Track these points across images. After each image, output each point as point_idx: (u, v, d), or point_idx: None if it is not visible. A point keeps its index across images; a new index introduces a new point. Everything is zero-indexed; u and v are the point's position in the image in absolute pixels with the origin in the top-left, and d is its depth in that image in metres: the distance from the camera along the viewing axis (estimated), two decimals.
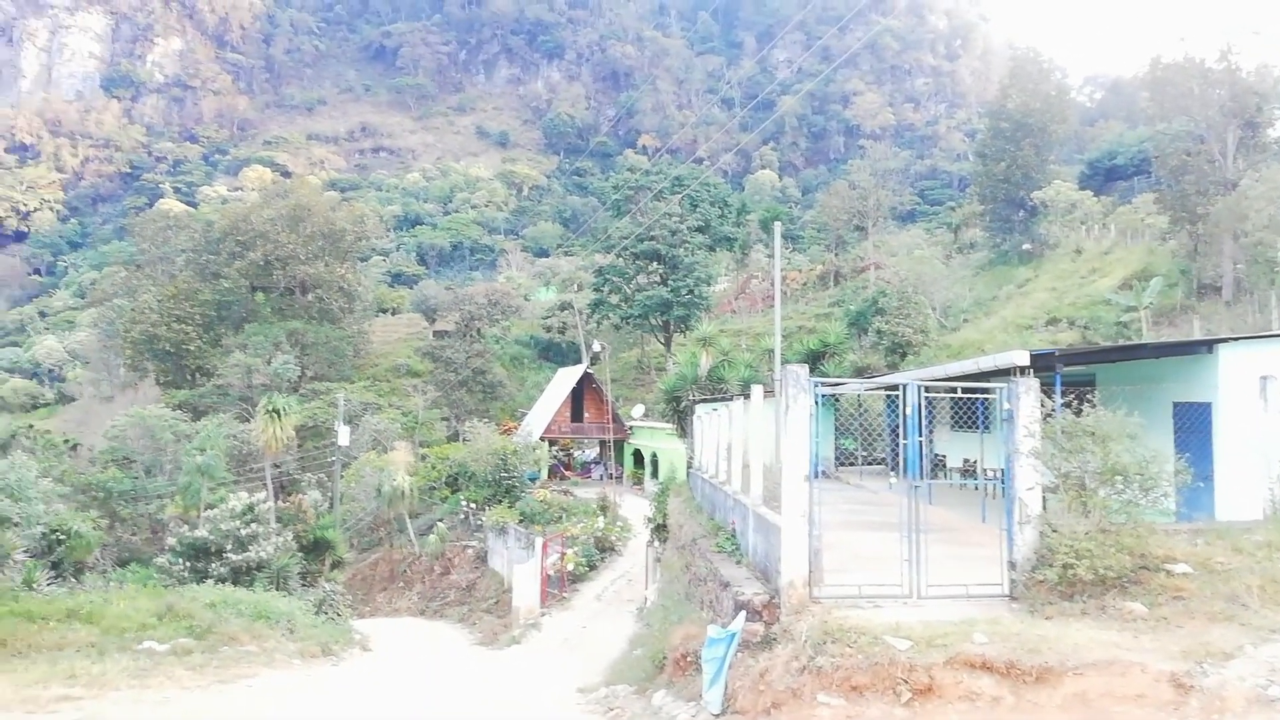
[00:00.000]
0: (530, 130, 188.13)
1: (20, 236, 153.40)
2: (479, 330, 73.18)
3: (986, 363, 12.06)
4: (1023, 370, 10.61)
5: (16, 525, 23.19)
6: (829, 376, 26.36)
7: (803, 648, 8.86)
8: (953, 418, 17.88)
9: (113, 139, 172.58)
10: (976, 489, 18.78)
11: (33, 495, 24.01)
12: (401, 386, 70.32)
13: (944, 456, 22.61)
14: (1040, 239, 63.27)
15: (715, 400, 23.05)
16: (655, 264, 64.43)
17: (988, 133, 68.40)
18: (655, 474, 46.09)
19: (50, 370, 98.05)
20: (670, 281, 62.86)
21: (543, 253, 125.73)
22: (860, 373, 33.82)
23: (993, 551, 10.68)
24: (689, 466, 27.15)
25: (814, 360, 32.90)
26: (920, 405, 10.55)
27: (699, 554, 14.99)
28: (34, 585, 22.25)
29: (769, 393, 16.46)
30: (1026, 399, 10.24)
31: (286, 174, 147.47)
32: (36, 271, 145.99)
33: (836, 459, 27.45)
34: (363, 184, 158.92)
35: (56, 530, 25.91)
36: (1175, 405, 14.21)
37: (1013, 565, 10.22)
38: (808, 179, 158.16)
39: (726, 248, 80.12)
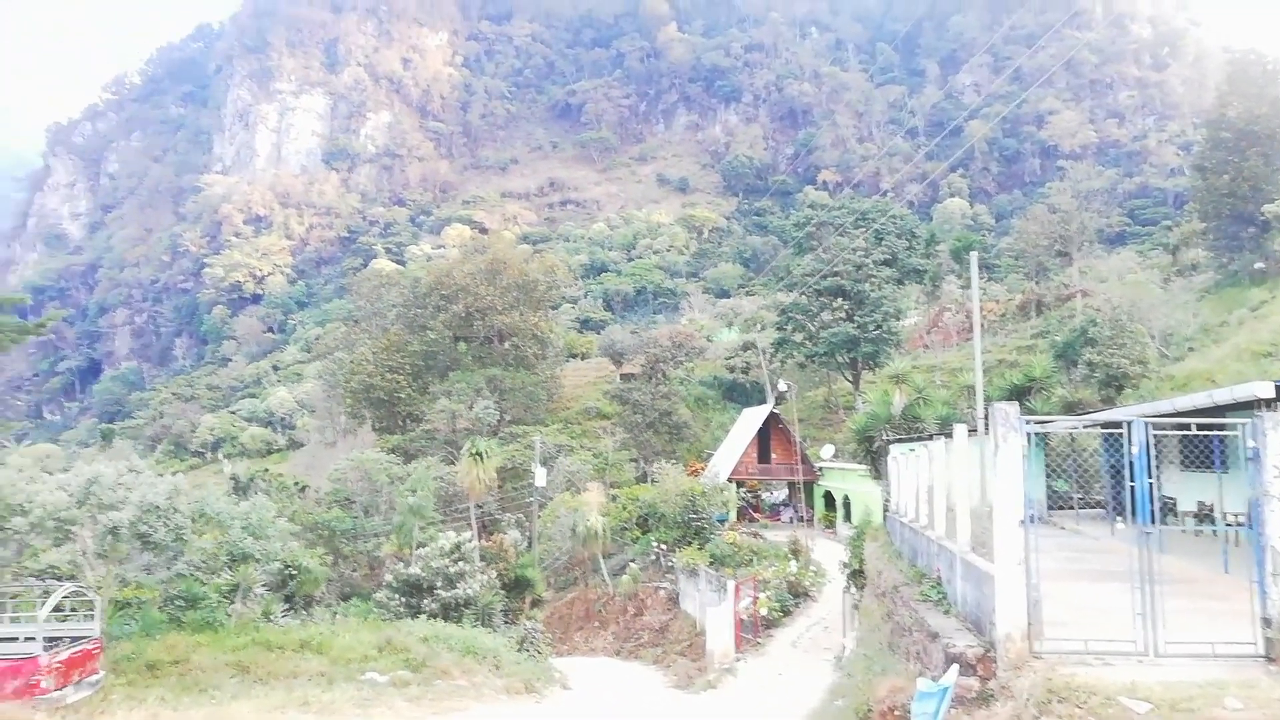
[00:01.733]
0: (709, 174, 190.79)
1: (257, 299, 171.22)
2: (664, 372, 74.22)
3: (1222, 396, 10.98)
4: (1268, 403, 9.58)
5: (258, 561, 25.57)
6: (1037, 413, 24.80)
7: (1025, 706, 8.29)
8: (1183, 457, 16.33)
9: (333, 207, 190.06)
10: (1215, 535, 16.99)
11: (271, 534, 26.41)
12: (592, 429, 72.35)
13: (1174, 500, 20.64)
14: (1275, 256, 57.08)
15: (911, 440, 22.20)
16: (840, 300, 63.23)
17: (1206, 144, 62.79)
18: (848, 517, 44.79)
19: (282, 418, 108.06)
20: (856, 317, 61.41)
21: (724, 294, 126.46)
22: (1071, 409, 31.58)
23: (1240, 606, 9.60)
24: (885, 510, 26.19)
25: (1019, 396, 31.09)
26: (1148, 444, 9.73)
27: (901, 602, 14.39)
28: (271, 616, 24.43)
29: (972, 431, 15.67)
30: (1275, 436, 9.22)
31: (483, 230, 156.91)
32: (270, 329, 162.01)
33: (1049, 502, 25.64)
34: (552, 236, 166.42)
35: (290, 566, 28.35)
36: None
37: (1267, 622, 9.14)
38: (1001, 205, 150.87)
39: (916, 280, 77.52)
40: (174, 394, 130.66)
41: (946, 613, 12.31)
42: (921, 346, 75.55)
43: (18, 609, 19.89)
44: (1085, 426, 17.63)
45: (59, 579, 21.92)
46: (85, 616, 19.07)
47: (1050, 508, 25.71)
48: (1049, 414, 26.25)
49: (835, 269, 62.53)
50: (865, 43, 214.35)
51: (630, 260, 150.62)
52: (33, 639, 16.85)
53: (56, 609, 18.33)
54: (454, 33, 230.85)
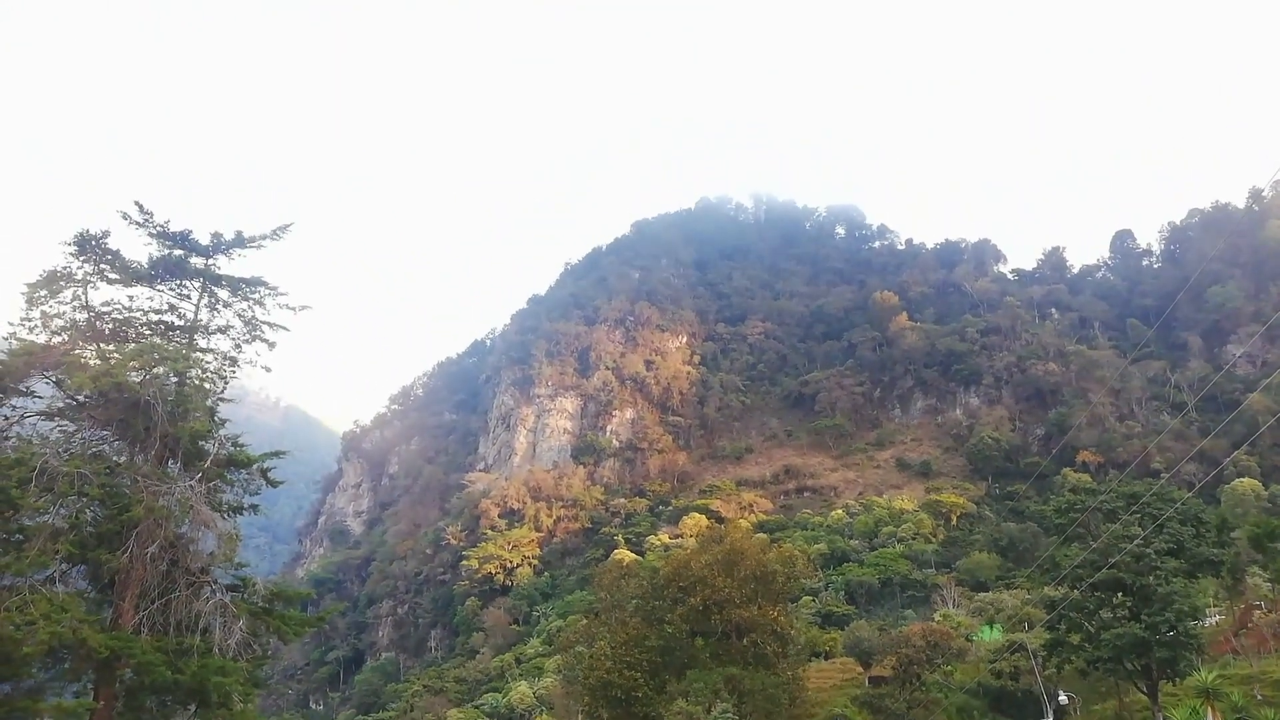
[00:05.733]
0: (952, 458, 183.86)
1: (506, 590, 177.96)
2: (918, 676, 67.54)
3: None
4: None
5: None
6: None
7: None
8: None
9: (578, 499, 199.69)
10: None
11: None
12: None
13: None
14: None
15: None
16: (1121, 596, 56.02)
17: None
18: None
19: (521, 715, 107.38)
20: (1144, 616, 53.77)
21: (980, 586, 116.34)
22: None
23: None
24: None
25: None
26: None
27: None
28: None
29: None
30: None
31: (720, 519, 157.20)
32: (516, 621, 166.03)
33: None
34: (789, 524, 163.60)
35: None
36: None
37: None
38: None
39: (1211, 573, 67.82)
40: (424, 686, 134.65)
41: None
42: (1230, 652, 64.41)
43: None
44: None
45: None
46: None
47: None
48: None
49: (1109, 559, 56.11)
50: (1112, 319, 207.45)
51: (873, 549, 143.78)
52: None
53: None
54: (692, 335, 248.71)
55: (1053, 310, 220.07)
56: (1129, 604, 55.23)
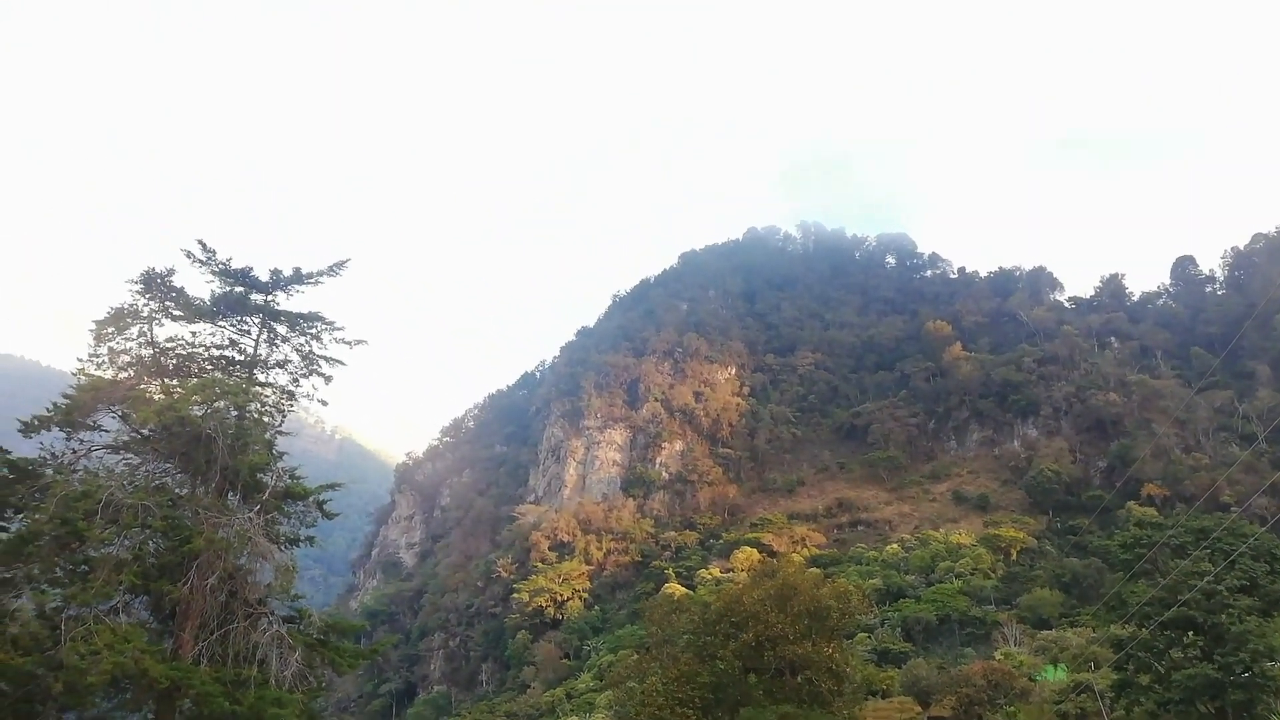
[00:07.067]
0: (1011, 491, 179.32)
1: (556, 624, 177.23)
2: (980, 716, 65.63)
3: None
4: None
5: None
6: None
7: None
8: None
9: (629, 532, 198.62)
10: None
11: None
12: None
13: None
14: None
15: None
16: (1191, 634, 53.89)
17: None
18: None
19: None
20: (1217, 656, 51.64)
21: (1043, 623, 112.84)
22: None
23: None
24: None
25: None
26: None
27: None
28: None
29: None
30: None
31: (771, 553, 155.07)
32: (566, 655, 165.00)
33: None
34: (842, 559, 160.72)
35: None
36: None
37: None
38: None
39: None
40: None
41: None
42: None
43: None
44: None
45: None
46: None
47: None
48: None
49: (1179, 597, 54.08)
50: (1175, 348, 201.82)
51: (930, 585, 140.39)
52: None
53: None
54: (741, 367, 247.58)
55: (1112, 339, 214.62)
56: (1200, 643, 53.09)
